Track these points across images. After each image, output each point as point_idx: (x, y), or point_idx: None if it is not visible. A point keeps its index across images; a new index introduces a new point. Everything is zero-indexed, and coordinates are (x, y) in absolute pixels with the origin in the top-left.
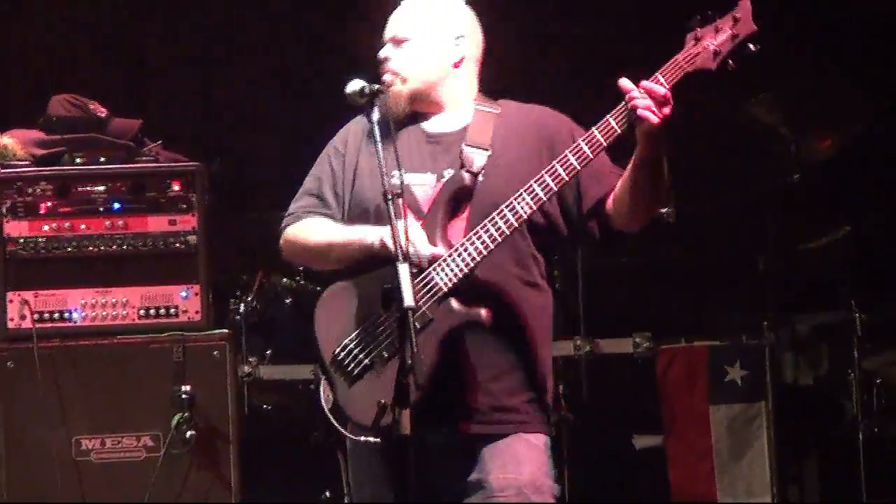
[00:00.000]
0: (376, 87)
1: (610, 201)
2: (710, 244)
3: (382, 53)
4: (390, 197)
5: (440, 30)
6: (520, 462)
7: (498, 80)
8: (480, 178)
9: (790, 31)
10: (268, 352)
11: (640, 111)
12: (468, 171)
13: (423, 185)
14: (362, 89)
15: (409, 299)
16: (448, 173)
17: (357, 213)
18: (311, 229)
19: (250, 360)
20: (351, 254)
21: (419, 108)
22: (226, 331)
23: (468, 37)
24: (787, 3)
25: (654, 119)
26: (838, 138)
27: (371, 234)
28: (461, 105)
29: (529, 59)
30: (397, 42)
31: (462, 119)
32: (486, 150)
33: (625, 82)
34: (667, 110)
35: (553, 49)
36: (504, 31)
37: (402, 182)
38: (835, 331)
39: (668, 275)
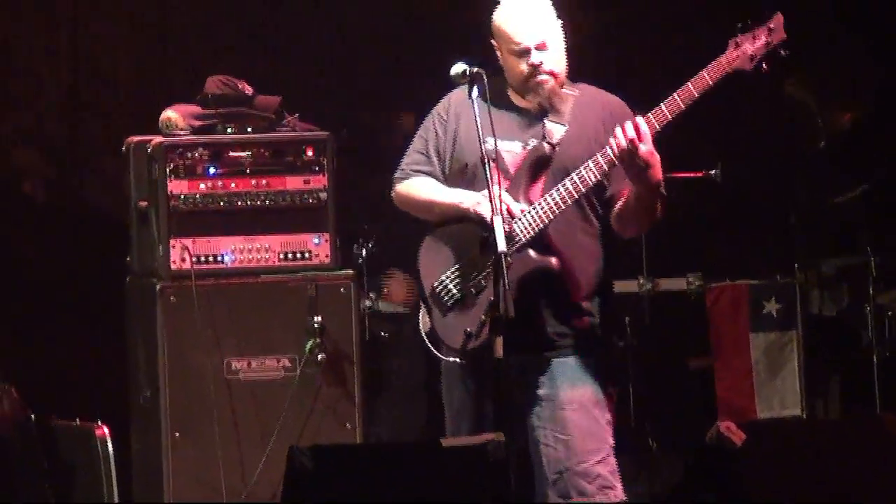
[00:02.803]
0: (475, 69)
1: (617, 203)
2: (751, 199)
3: (535, 59)
4: (487, 161)
5: (560, 27)
6: (584, 381)
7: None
8: (558, 149)
9: (821, 21)
10: (384, 289)
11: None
12: (548, 143)
13: (511, 152)
14: (464, 71)
15: (502, 246)
16: (532, 143)
17: (456, 170)
18: (418, 187)
19: (370, 295)
20: (449, 213)
21: (527, 94)
22: (351, 271)
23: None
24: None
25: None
26: (856, 113)
27: (467, 201)
28: None
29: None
30: (542, 47)
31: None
32: (564, 125)
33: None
34: (644, 148)
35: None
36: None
37: (495, 147)
38: (854, 271)
39: (716, 224)
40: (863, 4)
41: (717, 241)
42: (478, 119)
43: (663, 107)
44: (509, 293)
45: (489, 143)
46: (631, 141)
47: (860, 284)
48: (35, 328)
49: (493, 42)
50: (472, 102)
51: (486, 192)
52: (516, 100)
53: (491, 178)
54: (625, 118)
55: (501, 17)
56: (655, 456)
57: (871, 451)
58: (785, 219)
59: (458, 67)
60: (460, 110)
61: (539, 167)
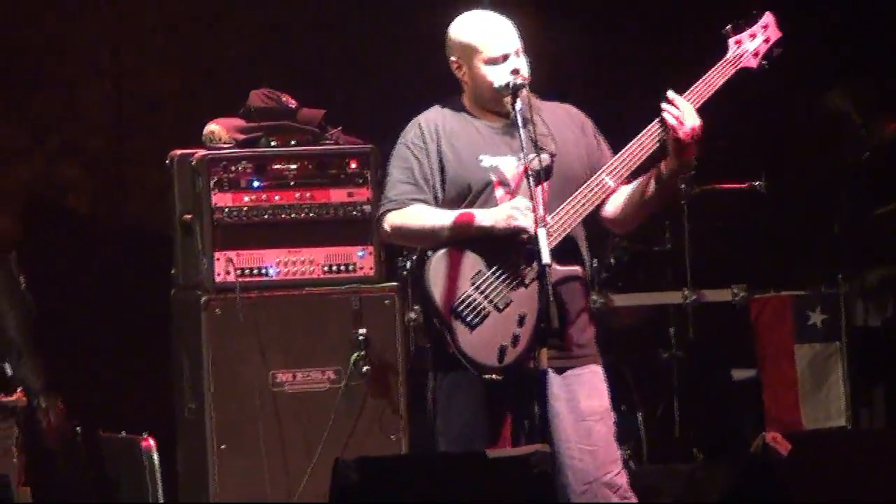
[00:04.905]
0: (518, 81)
1: (616, 196)
2: (795, 210)
3: (514, 65)
4: (531, 174)
5: None
6: (599, 392)
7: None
8: (555, 157)
9: (863, 32)
10: None
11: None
12: (549, 153)
13: (509, 166)
14: (507, 84)
15: (546, 258)
16: (528, 156)
17: (455, 195)
18: (418, 214)
19: (415, 307)
20: (464, 234)
21: (499, 106)
22: (395, 283)
23: None
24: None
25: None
26: None
27: (488, 217)
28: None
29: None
30: (518, 53)
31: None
32: (550, 135)
33: (670, 93)
34: (696, 122)
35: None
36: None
37: (492, 165)
38: None
39: (760, 235)
40: None
41: (761, 252)
42: (521, 133)
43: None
44: (553, 304)
45: (484, 161)
46: (678, 118)
47: None
48: (80, 341)
49: (452, 59)
50: (517, 115)
51: (510, 204)
52: (482, 116)
53: (533, 190)
54: (581, 117)
55: (469, 30)
56: (701, 466)
57: None
58: (829, 229)
59: (501, 80)
60: (440, 133)
61: (541, 178)
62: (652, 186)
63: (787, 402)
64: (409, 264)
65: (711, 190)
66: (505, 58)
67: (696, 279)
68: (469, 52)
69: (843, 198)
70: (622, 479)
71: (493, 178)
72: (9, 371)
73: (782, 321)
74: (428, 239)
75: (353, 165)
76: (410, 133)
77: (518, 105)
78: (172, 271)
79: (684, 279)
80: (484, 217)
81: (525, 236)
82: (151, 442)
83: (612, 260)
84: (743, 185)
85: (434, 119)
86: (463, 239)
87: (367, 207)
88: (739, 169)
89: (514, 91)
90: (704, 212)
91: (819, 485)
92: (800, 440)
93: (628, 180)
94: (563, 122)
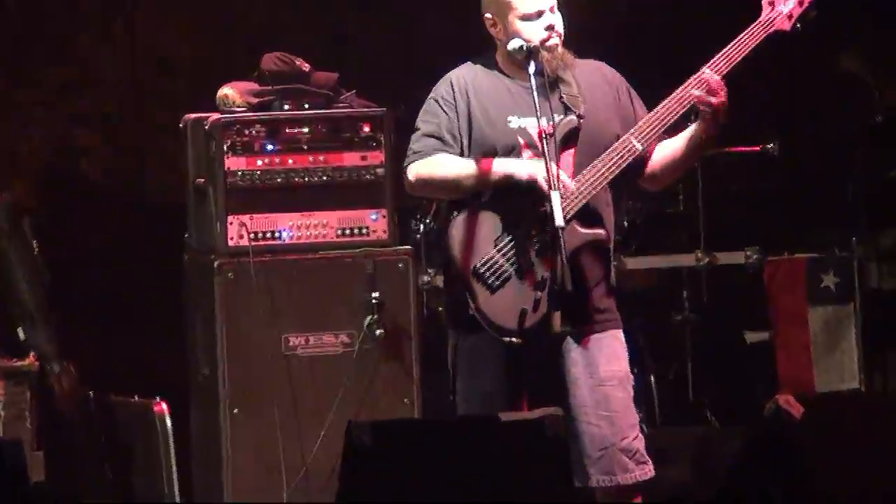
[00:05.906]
0: (532, 44)
1: (654, 156)
2: (808, 173)
3: (549, 21)
4: (545, 135)
5: None
6: (619, 357)
7: None
8: (583, 120)
9: None
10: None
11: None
12: (577, 115)
13: (536, 127)
14: (521, 47)
15: (559, 220)
16: (556, 117)
17: (480, 154)
18: (442, 163)
19: (429, 271)
20: (485, 181)
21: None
22: (409, 247)
23: None
24: None
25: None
26: None
27: (511, 166)
28: None
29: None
30: (552, 10)
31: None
32: (580, 96)
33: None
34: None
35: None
36: None
37: (520, 126)
38: None
39: (773, 198)
40: None
41: (774, 215)
42: (535, 94)
43: (707, 71)
44: (566, 267)
45: (513, 122)
46: (717, 84)
47: None
48: (93, 306)
49: (487, 16)
50: (531, 78)
51: (534, 161)
52: (515, 74)
53: (548, 153)
54: (616, 78)
55: None
56: (713, 430)
57: None
58: (843, 192)
59: (515, 43)
60: (470, 91)
61: (569, 140)
62: (685, 145)
63: (800, 365)
64: (422, 227)
65: (724, 153)
66: (539, 14)
67: (710, 242)
68: (503, 8)
69: (856, 160)
70: (639, 444)
71: (521, 140)
72: (22, 336)
73: (796, 284)
74: (452, 188)
75: (367, 129)
76: (441, 88)
77: (532, 68)
78: (186, 236)
79: (697, 242)
80: (508, 165)
81: (543, 201)
82: (164, 406)
83: (624, 222)
84: (756, 149)
85: (465, 76)
86: (485, 188)
87: (381, 171)
88: (753, 132)
89: (529, 54)
90: (718, 174)
91: (832, 447)
92: (813, 403)
93: (660, 139)
94: (597, 84)
